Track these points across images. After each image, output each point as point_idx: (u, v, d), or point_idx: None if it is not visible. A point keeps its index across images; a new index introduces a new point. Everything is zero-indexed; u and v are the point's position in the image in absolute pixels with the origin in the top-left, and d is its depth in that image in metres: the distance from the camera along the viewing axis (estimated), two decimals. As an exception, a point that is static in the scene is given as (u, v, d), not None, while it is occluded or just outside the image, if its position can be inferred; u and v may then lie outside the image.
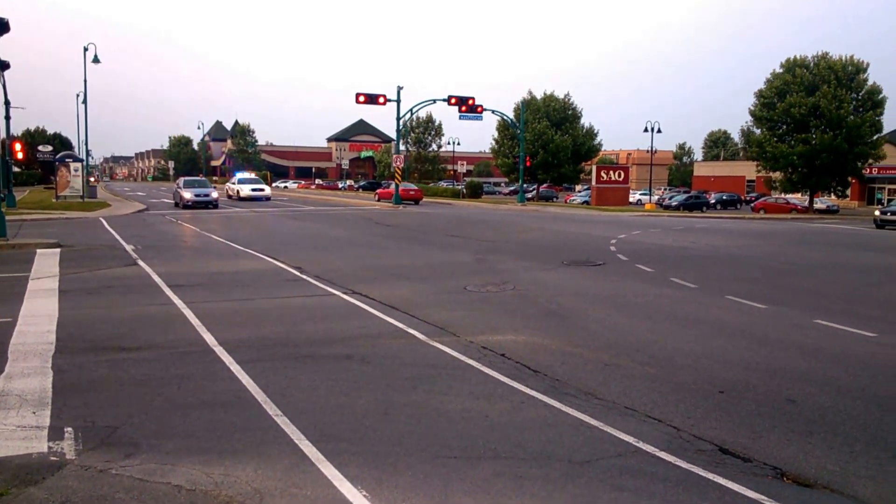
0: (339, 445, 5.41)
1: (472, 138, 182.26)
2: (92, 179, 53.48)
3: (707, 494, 4.71)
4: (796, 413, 6.37)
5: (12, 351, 8.06)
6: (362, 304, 11.10)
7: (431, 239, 22.91)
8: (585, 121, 64.64)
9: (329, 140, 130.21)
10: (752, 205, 55.86)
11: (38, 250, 17.66)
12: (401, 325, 9.60)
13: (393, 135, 61.28)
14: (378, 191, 59.62)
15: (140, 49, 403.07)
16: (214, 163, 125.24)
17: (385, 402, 6.47)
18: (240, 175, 53.38)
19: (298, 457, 5.20)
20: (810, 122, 48.89)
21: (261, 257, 17.02)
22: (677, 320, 10.36)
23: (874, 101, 48.93)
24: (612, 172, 56.57)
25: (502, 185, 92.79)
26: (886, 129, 53.54)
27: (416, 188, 54.97)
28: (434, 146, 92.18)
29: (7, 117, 33.60)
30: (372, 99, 44.63)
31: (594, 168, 57.64)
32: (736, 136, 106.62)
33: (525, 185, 59.11)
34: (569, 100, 63.13)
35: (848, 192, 59.48)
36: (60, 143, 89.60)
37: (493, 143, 65.66)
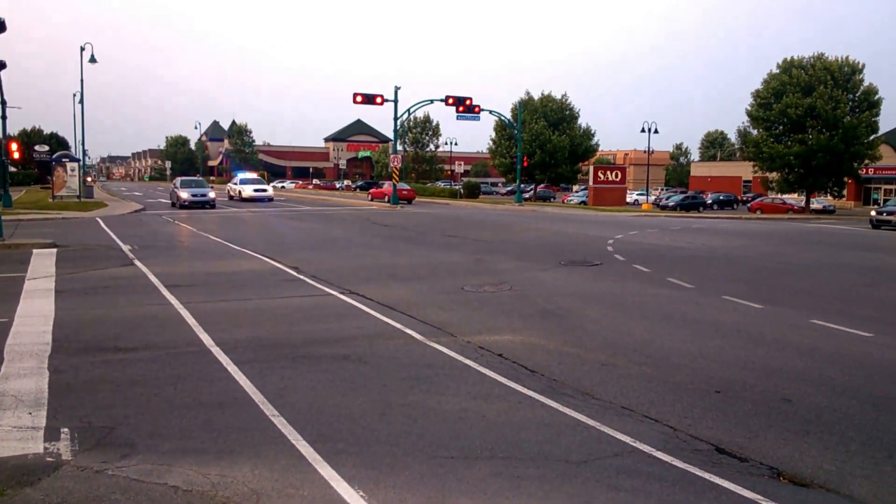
0: (336, 446, 5.41)
1: (469, 138, 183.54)
2: (89, 179, 53.39)
3: (704, 494, 4.72)
4: (792, 413, 6.38)
5: (8, 351, 8.04)
6: (359, 305, 11.10)
7: (429, 239, 22.91)
8: (583, 121, 64.90)
9: (326, 140, 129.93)
10: (749, 205, 55.84)
11: (35, 250, 17.62)
12: (398, 326, 9.59)
13: (391, 135, 61.17)
14: (371, 191, 59.29)
15: (140, 49, 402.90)
16: (212, 163, 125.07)
17: (382, 402, 6.47)
18: (241, 175, 52.17)
19: (295, 457, 5.20)
20: (807, 123, 48.99)
21: (258, 257, 17.00)
22: (674, 320, 10.37)
23: (870, 102, 49.04)
24: (609, 173, 56.64)
25: (500, 185, 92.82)
26: (882, 129, 53.71)
27: (409, 188, 55.03)
28: (431, 146, 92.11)
29: (3, 117, 33.45)
30: (370, 99, 44.61)
31: (591, 168, 57.71)
32: (733, 136, 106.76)
33: (522, 186, 59.10)
34: (566, 100, 63.19)
35: (844, 192, 59.62)
36: (57, 142, 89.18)
37: (491, 143, 65.58)
